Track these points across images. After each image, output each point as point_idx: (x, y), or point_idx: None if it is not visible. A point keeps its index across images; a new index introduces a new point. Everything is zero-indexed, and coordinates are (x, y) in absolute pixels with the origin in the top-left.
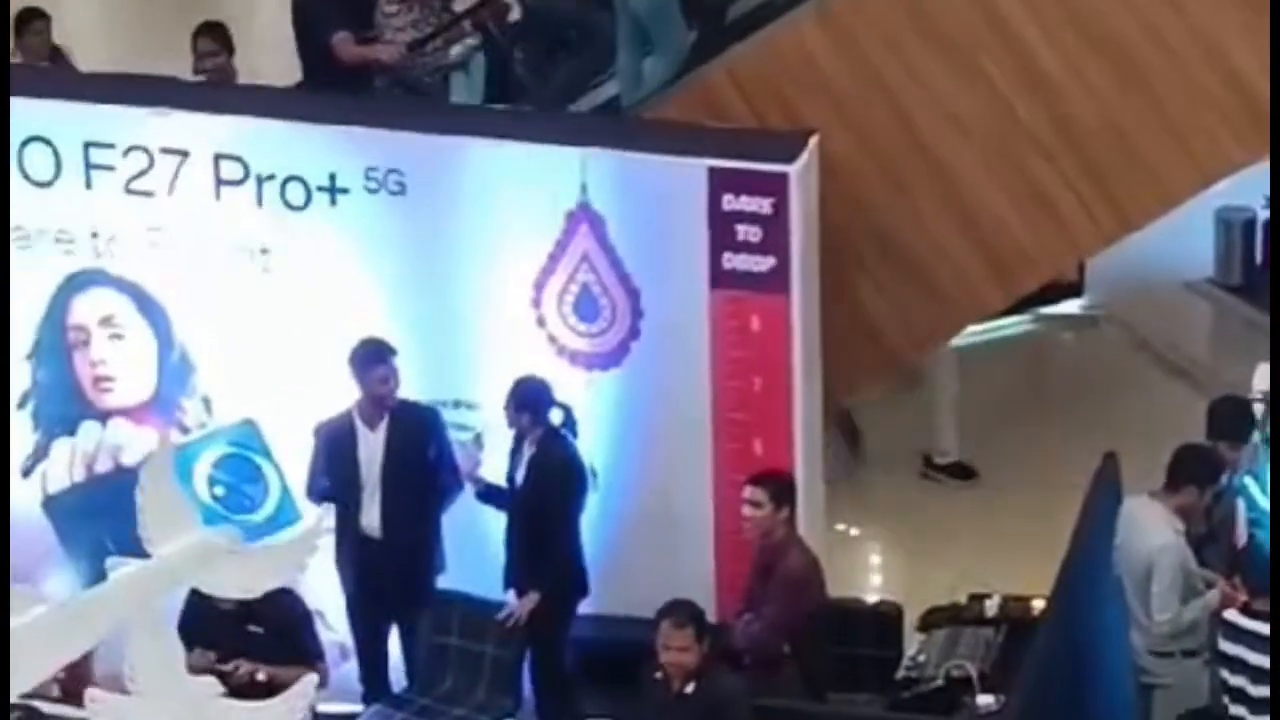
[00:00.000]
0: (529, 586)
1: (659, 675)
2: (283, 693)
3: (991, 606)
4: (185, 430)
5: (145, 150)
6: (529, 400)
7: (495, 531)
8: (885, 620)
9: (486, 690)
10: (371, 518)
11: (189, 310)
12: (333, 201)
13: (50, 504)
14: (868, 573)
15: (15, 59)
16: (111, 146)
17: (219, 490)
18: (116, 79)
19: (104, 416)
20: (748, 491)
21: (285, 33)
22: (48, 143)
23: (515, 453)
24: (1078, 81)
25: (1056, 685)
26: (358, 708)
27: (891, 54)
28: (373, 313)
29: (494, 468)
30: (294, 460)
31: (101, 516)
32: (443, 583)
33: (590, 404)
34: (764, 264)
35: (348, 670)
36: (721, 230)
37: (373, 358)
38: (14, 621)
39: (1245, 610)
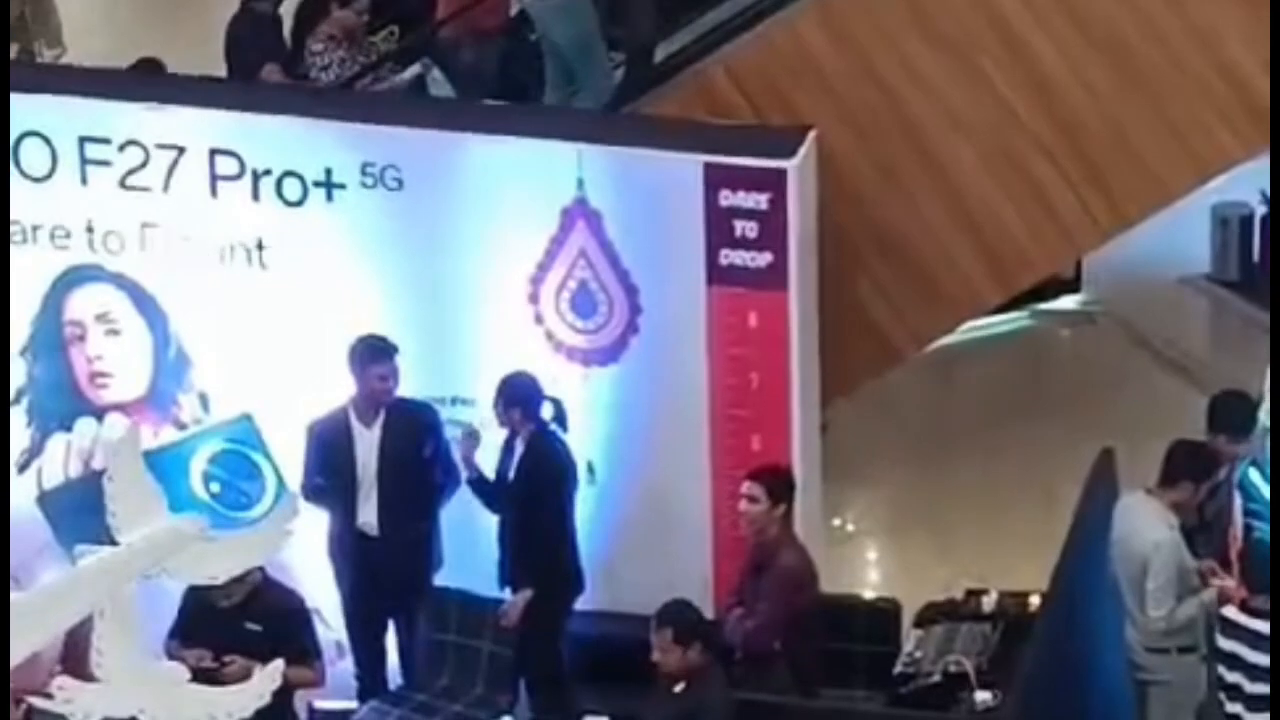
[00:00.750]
0: (523, 584)
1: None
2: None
3: (988, 602)
4: (181, 426)
5: (141, 145)
6: (519, 396)
7: (491, 528)
8: (882, 616)
9: (484, 686)
10: (368, 515)
11: (185, 306)
12: (329, 197)
13: (46, 500)
14: (865, 568)
15: None
16: (107, 142)
17: (215, 487)
18: (112, 74)
19: (100, 412)
20: (745, 487)
21: None
22: (43, 138)
23: (506, 449)
24: (1075, 78)
25: (1053, 682)
26: (354, 704)
27: (889, 50)
28: (369, 308)
29: (487, 465)
30: (291, 457)
31: (98, 513)
32: (439, 579)
33: (588, 400)
34: (761, 260)
35: (344, 667)
36: (719, 226)
37: (373, 354)
38: None
39: (1243, 607)
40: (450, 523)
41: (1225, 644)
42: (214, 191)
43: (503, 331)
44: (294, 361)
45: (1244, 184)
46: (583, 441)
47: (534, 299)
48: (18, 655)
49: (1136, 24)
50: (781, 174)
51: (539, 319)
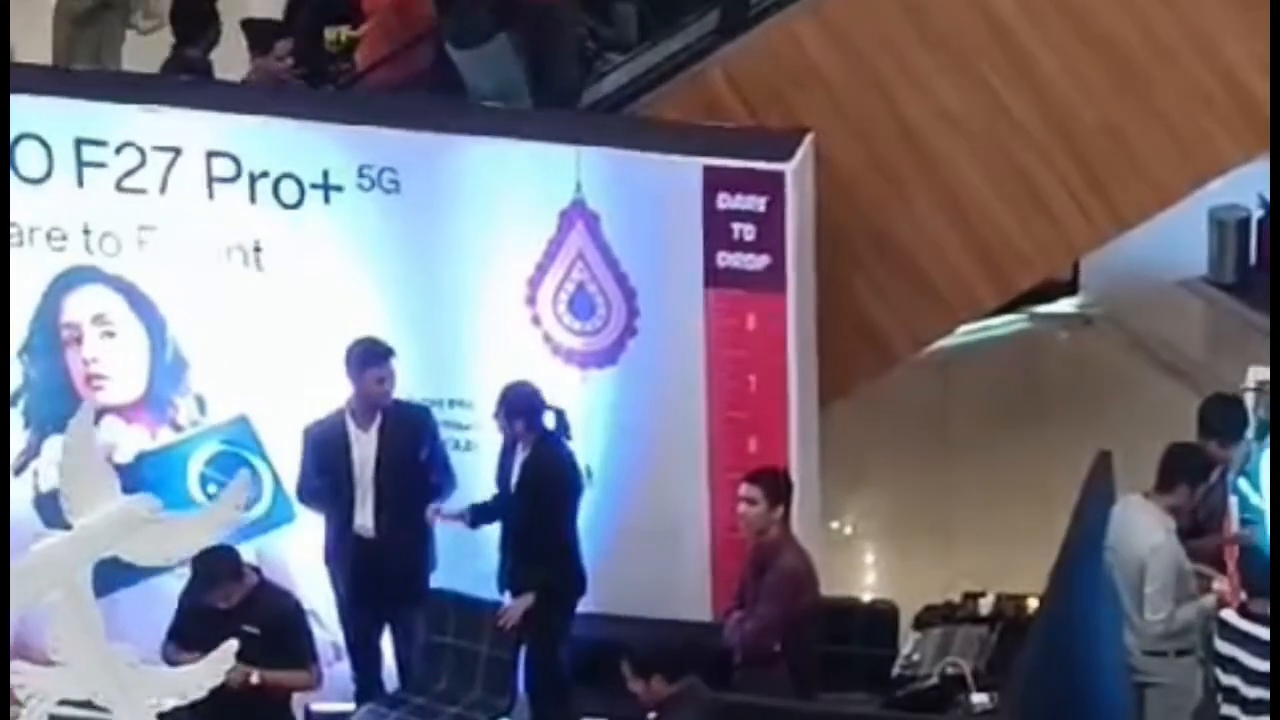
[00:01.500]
0: (524, 588)
1: None
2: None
3: (986, 605)
4: (178, 428)
5: (137, 147)
6: (521, 407)
7: (487, 532)
8: (880, 618)
9: (482, 689)
10: (366, 518)
11: (182, 308)
12: (326, 199)
13: (43, 502)
14: (863, 571)
15: None
16: (103, 144)
17: (212, 489)
18: (109, 75)
19: (97, 415)
20: (744, 489)
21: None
22: (40, 140)
23: (506, 456)
24: (1073, 80)
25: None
26: (351, 707)
27: (887, 52)
28: (366, 311)
29: (488, 469)
30: (287, 458)
31: None
32: (436, 581)
33: (585, 402)
34: (759, 263)
35: (341, 669)
36: (717, 229)
37: (370, 357)
38: None
39: (1242, 611)
40: (446, 526)
41: (1223, 647)
42: (211, 194)
43: (500, 334)
44: (291, 364)
45: (1241, 187)
46: (580, 443)
47: (532, 301)
48: None
49: (1134, 28)
50: (779, 176)
51: (537, 321)
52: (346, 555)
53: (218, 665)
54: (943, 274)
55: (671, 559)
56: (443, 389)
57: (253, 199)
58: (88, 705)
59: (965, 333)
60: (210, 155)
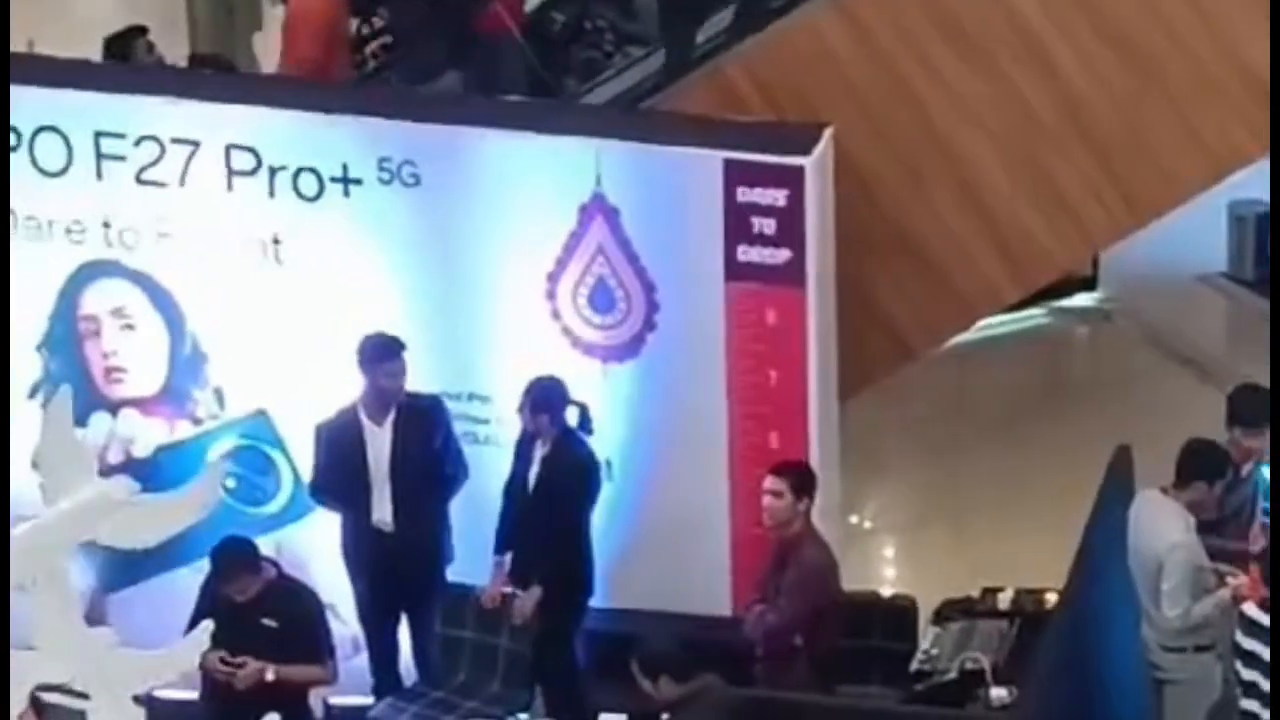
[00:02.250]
0: (533, 582)
1: None
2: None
3: (1005, 599)
4: (197, 421)
5: (157, 140)
6: (546, 401)
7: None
8: (899, 613)
9: (501, 683)
10: (384, 512)
11: (201, 301)
12: (346, 192)
13: None
14: (882, 566)
15: None
16: (123, 136)
17: (230, 482)
18: (128, 68)
19: (115, 407)
20: (769, 481)
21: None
22: (59, 132)
23: (523, 448)
24: (1092, 76)
25: (1069, 679)
26: (370, 700)
27: (907, 47)
28: (386, 304)
29: (507, 464)
30: (306, 452)
31: None
32: (452, 574)
33: (605, 396)
34: (779, 256)
35: (359, 663)
36: (737, 223)
37: (382, 352)
38: None
39: (1264, 605)
40: (463, 519)
41: (1245, 642)
42: (230, 186)
43: (520, 328)
44: (310, 357)
45: (1261, 182)
46: (600, 438)
47: (551, 295)
48: None
49: (1155, 24)
50: (799, 170)
51: (556, 315)
52: (365, 550)
53: (192, 650)
54: (962, 268)
55: (691, 553)
56: (462, 383)
57: (272, 192)
58: (67, 690)
59: (984, 327)
60: (229, 148)
